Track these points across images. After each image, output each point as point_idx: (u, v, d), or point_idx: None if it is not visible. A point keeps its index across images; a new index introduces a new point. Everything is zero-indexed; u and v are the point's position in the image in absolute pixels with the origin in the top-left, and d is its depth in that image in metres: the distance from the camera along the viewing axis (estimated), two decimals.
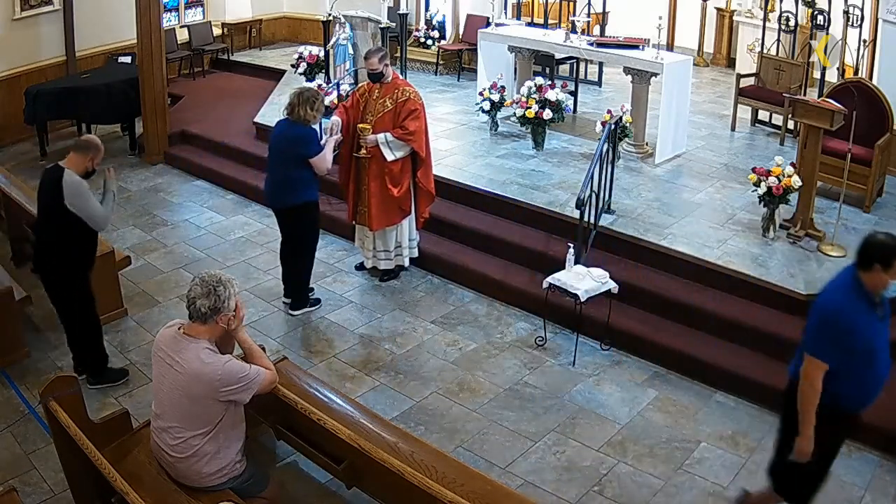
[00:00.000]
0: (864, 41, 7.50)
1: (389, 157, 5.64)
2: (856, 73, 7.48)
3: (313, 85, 8.37)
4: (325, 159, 5.37)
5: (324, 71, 9.52)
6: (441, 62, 10.48)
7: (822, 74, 7.68)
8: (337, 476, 3.72)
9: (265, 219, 7.34)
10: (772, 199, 5.72)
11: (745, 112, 8.42)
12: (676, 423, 4.60)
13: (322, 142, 5.52)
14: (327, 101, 7.55)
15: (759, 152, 7.59)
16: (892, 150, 6.47)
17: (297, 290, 5.75)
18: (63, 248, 4.59)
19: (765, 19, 8.81)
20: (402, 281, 6.18)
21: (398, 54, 9.65)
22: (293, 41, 12.77)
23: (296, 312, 5.73)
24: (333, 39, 9.16)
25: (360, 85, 6.23)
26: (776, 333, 4.95)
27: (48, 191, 4.54)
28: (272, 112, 8.97)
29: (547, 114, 7.33)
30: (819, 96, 7.00)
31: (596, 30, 9.69)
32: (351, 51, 9.00)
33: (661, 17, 7.76)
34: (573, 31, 8.15)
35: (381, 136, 5.61)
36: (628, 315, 5.38)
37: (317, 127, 5.52)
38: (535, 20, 10.43)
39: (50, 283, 4.75)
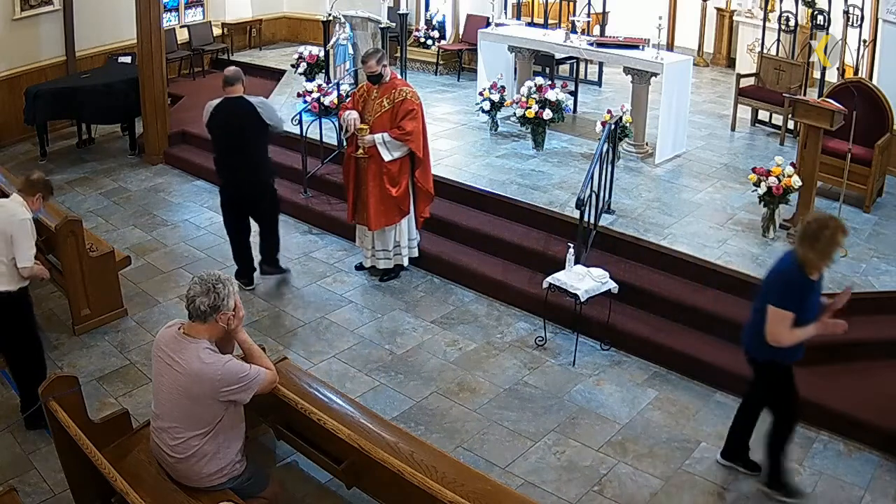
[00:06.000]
0: (864, 41, 7.50)
1: (387, 157, 5.65)
2: (856, 73, 7.48)
3: (312, 85, 8.36)
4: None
5: (324, 71, 9.52)
6: (441, 62, 10.47)
7: (822, 74, 7.68)
8: (337, 476, 3.72)
9: None
10: (772, 199, 5.72)
11: (745, 112, 8.41)
12: (676, 423, 4.60)
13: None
14: (327, 100, 7.57)
15: (759, 152, 7.59)
16: (892, 150, 6.47)
17: None
18: (264, 165, 5.75)
19: (765, 19, 8.81)
20: (402, 281, 6.18)
21: (398, 54, 9.64)
22: (293, 41, 12.76)
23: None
24: (333, 39, 9.15)
25: (359, 85, 6.23)
26: None
27: (244, 117, 5.50)
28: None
29: (547, 114, 7.33)
30: (819, 96, 7.00)
31: (596, 30, 9.69)
32: (351, 51, 8.99)
33: (661, 17, 7.75)
34: (573, 31, 8.16)
35: (378, 137, 5.61)
36: (628, 315, 5.38)
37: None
38: (535, 20, 10.42)
39: (251, 198, 5.78)
